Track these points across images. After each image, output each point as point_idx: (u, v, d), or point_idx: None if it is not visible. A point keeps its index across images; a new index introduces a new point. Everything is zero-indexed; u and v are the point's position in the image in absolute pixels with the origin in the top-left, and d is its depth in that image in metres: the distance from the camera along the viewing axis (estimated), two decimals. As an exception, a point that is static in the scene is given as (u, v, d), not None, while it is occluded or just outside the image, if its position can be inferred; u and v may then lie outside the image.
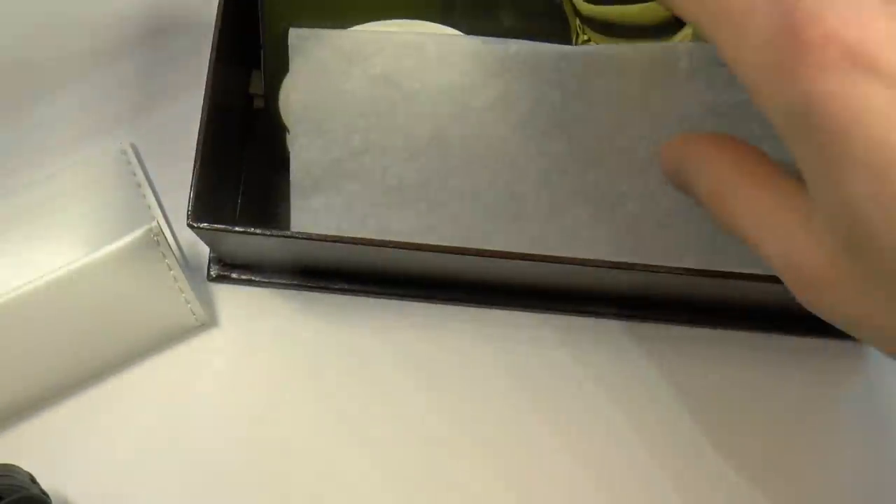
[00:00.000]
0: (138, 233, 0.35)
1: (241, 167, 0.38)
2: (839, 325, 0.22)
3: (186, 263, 0.37)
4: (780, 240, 0.21)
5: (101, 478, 0.34)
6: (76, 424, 0.35)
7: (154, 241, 0.35)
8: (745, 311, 0.36)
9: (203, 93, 0.32)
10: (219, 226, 0.31)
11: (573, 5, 0.32)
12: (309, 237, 0.30)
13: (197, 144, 0.32)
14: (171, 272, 0.35)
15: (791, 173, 0.22)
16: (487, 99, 0.30)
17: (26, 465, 0.32)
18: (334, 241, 0.30)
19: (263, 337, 0.36)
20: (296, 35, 0.30)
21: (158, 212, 0.38)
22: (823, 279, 0.20)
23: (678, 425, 0.36)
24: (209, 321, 0.36)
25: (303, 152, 0.32)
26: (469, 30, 0.33)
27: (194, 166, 0.31)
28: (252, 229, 0.30)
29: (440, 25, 0.35)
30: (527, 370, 0.36)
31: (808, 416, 0.36)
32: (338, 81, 0.30)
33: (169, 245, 0.35)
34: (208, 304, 0.37)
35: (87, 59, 0.39)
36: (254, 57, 0.38)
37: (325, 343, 0.36)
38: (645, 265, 0.29)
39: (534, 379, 0.36)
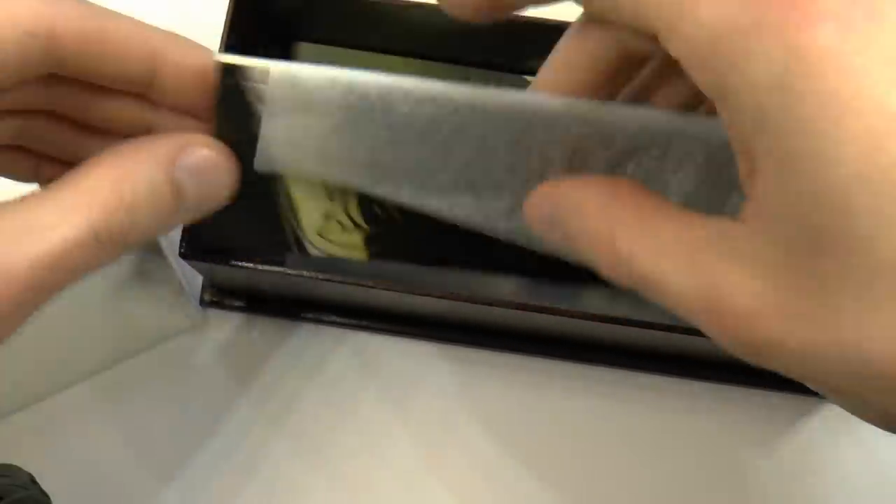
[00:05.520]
0: (130, 233, 0.35)
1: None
2: (778, 365, 0.18)
3: (181, 268, 0.37)
4: (691, 271, 0.18)
5: (101, 478, 0.35)
6: (76, 424, 0.36)
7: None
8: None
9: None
10: (212, 259, 0.31)
11: None
12: (300, 275, 0.30)
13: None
14: (164, 273, 0.35)
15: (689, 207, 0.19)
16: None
17: (26, 465, 0.33)
18: (327, 280, 0.30)
19: (256, 336, 0.37)
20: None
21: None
22: (757, 307, 0.17)
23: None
24: (201, 322, 0.37)
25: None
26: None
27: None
28: (244, 263, 0.30)
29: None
30: (510, 416, 0.37)
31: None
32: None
33: (160, 245, 0.35)
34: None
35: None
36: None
37: (310, 362, 0.37)
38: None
39: (526, 424, 0.37)
